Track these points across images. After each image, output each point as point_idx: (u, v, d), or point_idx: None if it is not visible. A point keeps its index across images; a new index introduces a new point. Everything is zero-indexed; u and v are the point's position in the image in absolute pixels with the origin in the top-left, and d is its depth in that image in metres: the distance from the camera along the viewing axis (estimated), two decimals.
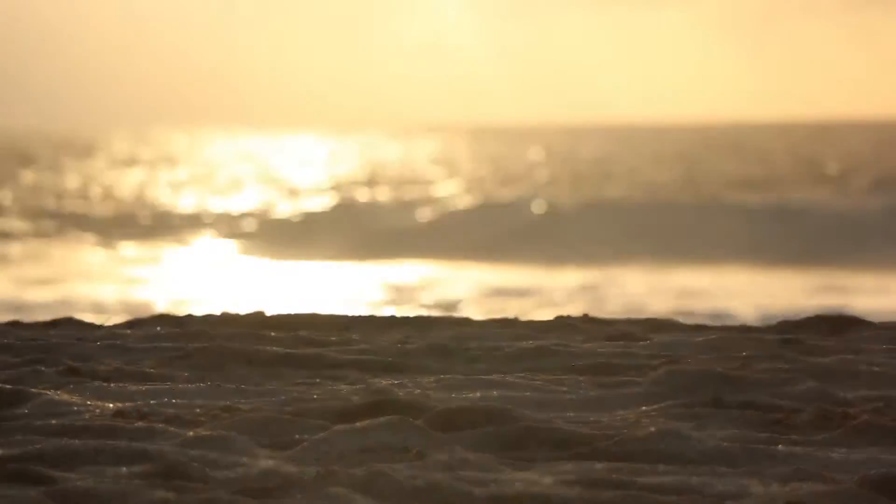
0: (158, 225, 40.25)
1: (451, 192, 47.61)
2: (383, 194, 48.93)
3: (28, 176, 59.89)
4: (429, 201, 43.75)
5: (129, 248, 35.22)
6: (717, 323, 5.21)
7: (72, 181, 57.27)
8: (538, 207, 39.15)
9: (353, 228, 37.72)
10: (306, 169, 67.24)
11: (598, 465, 2.89)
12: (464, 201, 42.97)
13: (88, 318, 5.19)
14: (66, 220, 40.76)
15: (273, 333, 4.52)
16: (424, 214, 39.99)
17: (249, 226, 40.09)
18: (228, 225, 40.47)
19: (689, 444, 3.03)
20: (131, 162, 75.11)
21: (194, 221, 42.08)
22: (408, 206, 42.17)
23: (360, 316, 3.78)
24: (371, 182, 55.37)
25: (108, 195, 49.61)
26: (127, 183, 56.36)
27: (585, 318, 4.98)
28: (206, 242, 37.90)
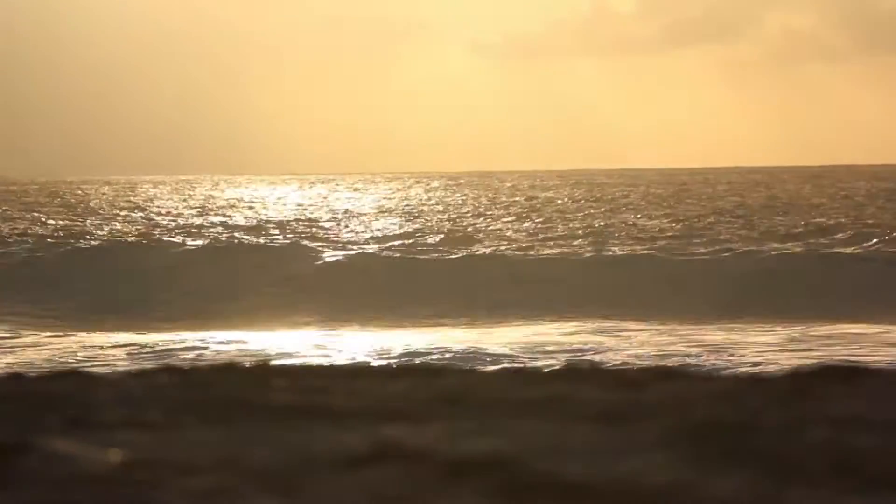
0: None
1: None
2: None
3: None
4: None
5: None
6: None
7: None
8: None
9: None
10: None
11: None
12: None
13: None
14: None
15: (279, 383, 4.50)
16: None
17: None
18: None
19: (700, 493, 3.00)
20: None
21: None
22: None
23: (366, 365, 3.74)
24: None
25: None
26: None
27: (594, 366, 4.95)
28: None
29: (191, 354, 25.41)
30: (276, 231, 56.05)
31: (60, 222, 62.19)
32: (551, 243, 46.79)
